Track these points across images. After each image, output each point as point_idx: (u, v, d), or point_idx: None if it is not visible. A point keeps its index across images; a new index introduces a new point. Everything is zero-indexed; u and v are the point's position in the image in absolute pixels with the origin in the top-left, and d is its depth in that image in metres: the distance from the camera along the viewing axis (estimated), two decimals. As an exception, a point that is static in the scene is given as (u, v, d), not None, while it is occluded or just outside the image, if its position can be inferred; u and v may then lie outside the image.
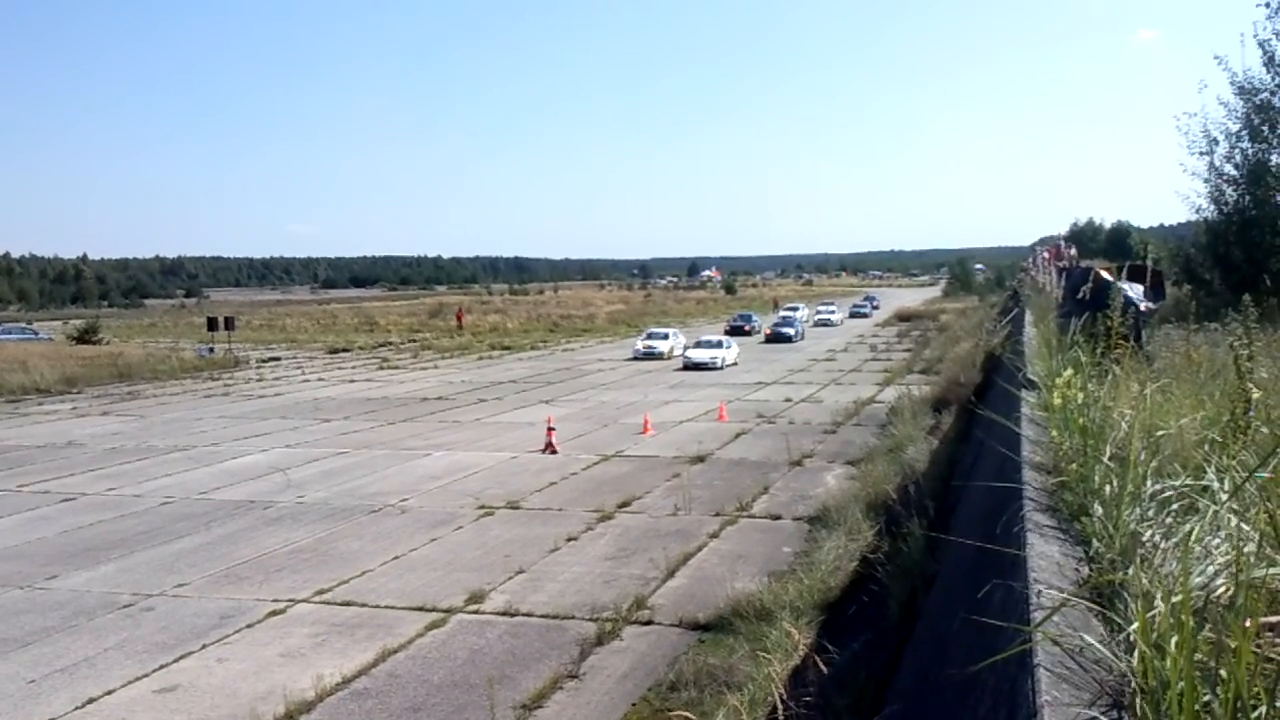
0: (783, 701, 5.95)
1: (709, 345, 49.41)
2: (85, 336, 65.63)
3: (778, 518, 18.20)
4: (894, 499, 14.05)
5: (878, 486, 16.43)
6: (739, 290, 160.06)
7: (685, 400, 36.03)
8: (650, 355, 52.82)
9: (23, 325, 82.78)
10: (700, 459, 24.23)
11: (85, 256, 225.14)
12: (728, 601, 12.43)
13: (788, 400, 35.02)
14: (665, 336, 55.78)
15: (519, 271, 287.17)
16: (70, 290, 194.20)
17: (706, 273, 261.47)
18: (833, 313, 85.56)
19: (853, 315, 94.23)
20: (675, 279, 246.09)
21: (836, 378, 42.42)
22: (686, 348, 51.06)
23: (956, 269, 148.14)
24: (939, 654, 4.67)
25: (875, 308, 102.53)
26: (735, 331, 66.05)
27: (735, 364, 47.86)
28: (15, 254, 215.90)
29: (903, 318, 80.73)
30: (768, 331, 65.33)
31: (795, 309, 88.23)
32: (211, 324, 59.61)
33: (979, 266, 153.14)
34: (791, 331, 64.79)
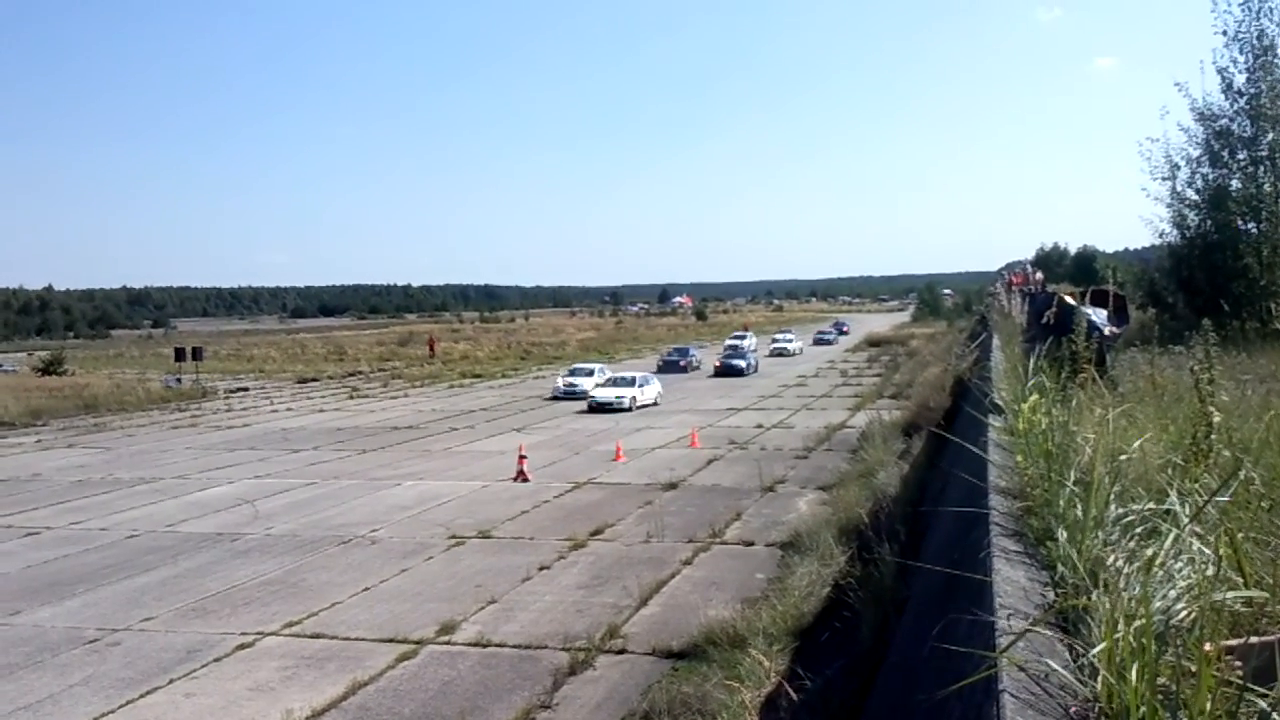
0: (755, 730, 5.92)
1: (620, 383, 44.15)
2: (50, 368, 64.84)
3: (750, 544, 18.20)
4: (866, 524, 14.06)
5: (850, 511, 16.44)
6: (710, 316, 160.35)
7: (657, 427, 36.03)
8: (571, 395, 46.41)
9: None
10: (673, 485, 24.21)
11: (50, 287, 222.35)
12: (701, 629, 12.40)
13: (759, 426, 35.08)
14: (590, 373, 49.21)
15: (489, 299, 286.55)
16: (35, 321, 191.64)
17: (678, 299, 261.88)
18: (790, 341, 78.47)
19: (817, 343, 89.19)
20: (647, 305, 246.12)
21: (808, 403, 42.57)
22: (597, 385, 45.36)
23: (925, 294, 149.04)
24: (909, 680, 4.68)
25: (844, 333, 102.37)
26: (669, 368, 59.93)
27: (655, 404, 43.19)
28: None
29: (873, 343, 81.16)
30: (716, 364, 59.20)
31: (743, 337, 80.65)
32: (179, 354, 59.14)
33: (947, 292, 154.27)
34: (743, 364, 58.63)
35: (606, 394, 42.37)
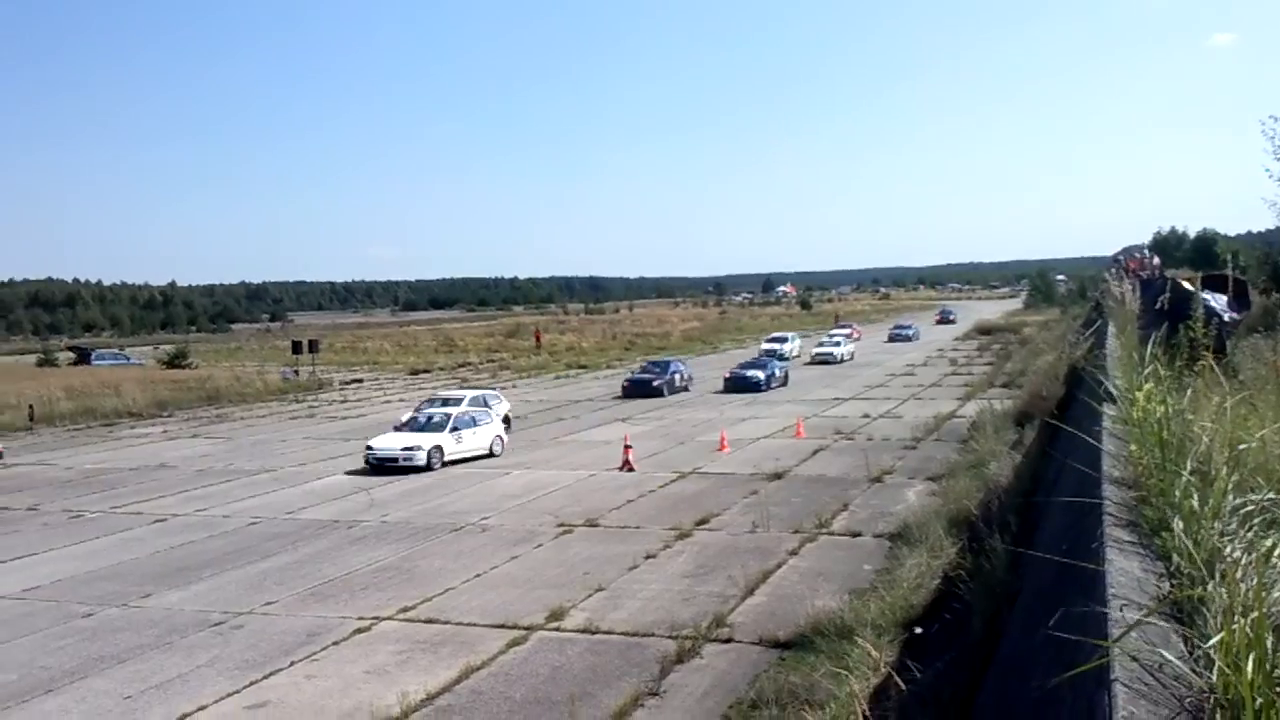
0: (865, 719, 5.93)
1: (425, 426, 28.71)
2: (175, 361, 67.51)
3: (858, 535, 18.06)
4: (976, 515, 13.87)
5: (960, 503, 16.23)
6: (815, 305, 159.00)
7: (762, 417, 35.91)
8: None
9: (115, 351, 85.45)
10: (778, 476, 24.13)
11: (174, 283, 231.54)
12: (808, 619, 12.37)
13: (866, 416, 34.71)
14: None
15: (594, 291, 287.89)
16: (160, 316, 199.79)
17: (782, 288, 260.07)
18: (838, 344, 62.00)
19: (892, 339, 77.15)
20: (750, 295, 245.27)
21: (916, 393, 41.95)
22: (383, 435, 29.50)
23: (1037, 280, 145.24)
24: (1021, 671, 4.64)
25: (950, 321, 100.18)
26: (639, 388, 44.63)
27: (490, 454, 28.86)
28: (107, 282, 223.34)
29: (983, 331, 79.42)
30: (726, 376, 46.51)
31: (784, 339, 64.70)
32: (296, 347, 60.94)
33: (1060, 277, 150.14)
34: (760, 376, 45.32)
35: (388, 446, 27.45)
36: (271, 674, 12.43)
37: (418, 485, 24.99)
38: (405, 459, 26.82)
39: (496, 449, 29.13)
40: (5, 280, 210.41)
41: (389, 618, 14.45)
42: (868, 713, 6.55)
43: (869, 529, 18.32)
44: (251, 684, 12.12)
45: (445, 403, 32.59)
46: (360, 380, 60.80)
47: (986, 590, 8.10)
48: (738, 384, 45.20)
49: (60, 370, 65.29)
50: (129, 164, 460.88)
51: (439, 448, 27.37)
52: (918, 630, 10.93)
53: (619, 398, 44.15)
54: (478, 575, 16.55)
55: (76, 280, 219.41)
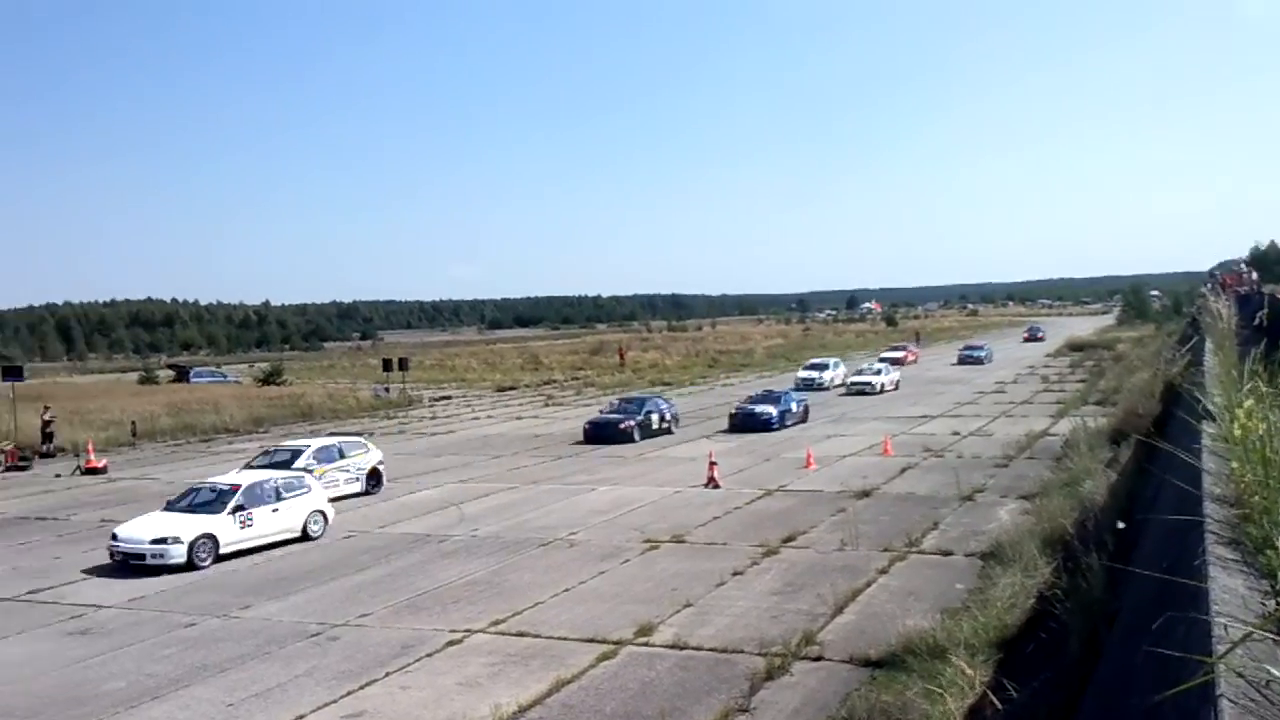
0: (959, 736, 5.91)
1: (183, 507, 20.95)
2: (270, 378, 69.20)
3: (949, 554, 17.86)
4: (1071, 534, 13.64)
5: (1054, 521, 15.95)
6: (900, 322, 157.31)
7: (848, 434, 35.66)
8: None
9: (212, 369, 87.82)
10: (866, 494, 23.96)
11: (268, 302, 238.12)
12: (899, 638, 12.29)
13: (955, 434, 34.26)
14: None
15: (676, 308, 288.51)
16: (255, 335, 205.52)
17: (867, 305, 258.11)
18: (878, 373, 54.31)
19: (962, 361, 72.02)
20: (834, 312, 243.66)
21: (1007, 410, 41.28)
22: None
23: (1131, 296, 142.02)
24: (1121, 688, 4.62)
25: (1039, 339, 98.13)
26: (601, 432, 36.30)
27: (307, 536, 21.63)
28: (204, 301, 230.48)
29: (1075, 347, 77.85)
30: (731, 412, 39.55)
31: (824, 366, 58.69)
32: (386, 365, 62.08)
33: (1154, 293, 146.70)
34: (771, 412, 38.20)
35: (135, 538, 19.69)
36: (367, 684, 12.70)
37: (507, 500, 25.32)
38: (155, 556, 19.27)
39: (314, 529, 21.68)
40: (108, 301, 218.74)
41: (480, 630, 14.68)
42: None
43: (960, 548, 18.10)
44: (348, 694, 12.40)
45: (277, 455, 26.56)
46: (449, 397, 61.70)
47: (1083, 609, 7.99)
48: (745, 422, 37.77)
49: (161, 387, 67.33)
50: (224, 187, 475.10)
51: (209, 537, 19.83)
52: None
53: (579, 443, 36.16)
54: (566, 590, 16.72)
55: (175, 300, 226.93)
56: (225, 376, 76.83)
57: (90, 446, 36.58)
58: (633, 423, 36.46)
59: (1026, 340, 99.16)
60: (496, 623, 14.99)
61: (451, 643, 14.20)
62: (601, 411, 39.65)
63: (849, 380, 54.22)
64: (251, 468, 25.23)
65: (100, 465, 34.26)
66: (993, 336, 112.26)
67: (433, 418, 49.46)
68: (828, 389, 53.69)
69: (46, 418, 39.87)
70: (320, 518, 22.14)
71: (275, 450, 27.44)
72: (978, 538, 18.48)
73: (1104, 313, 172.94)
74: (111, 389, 64.90)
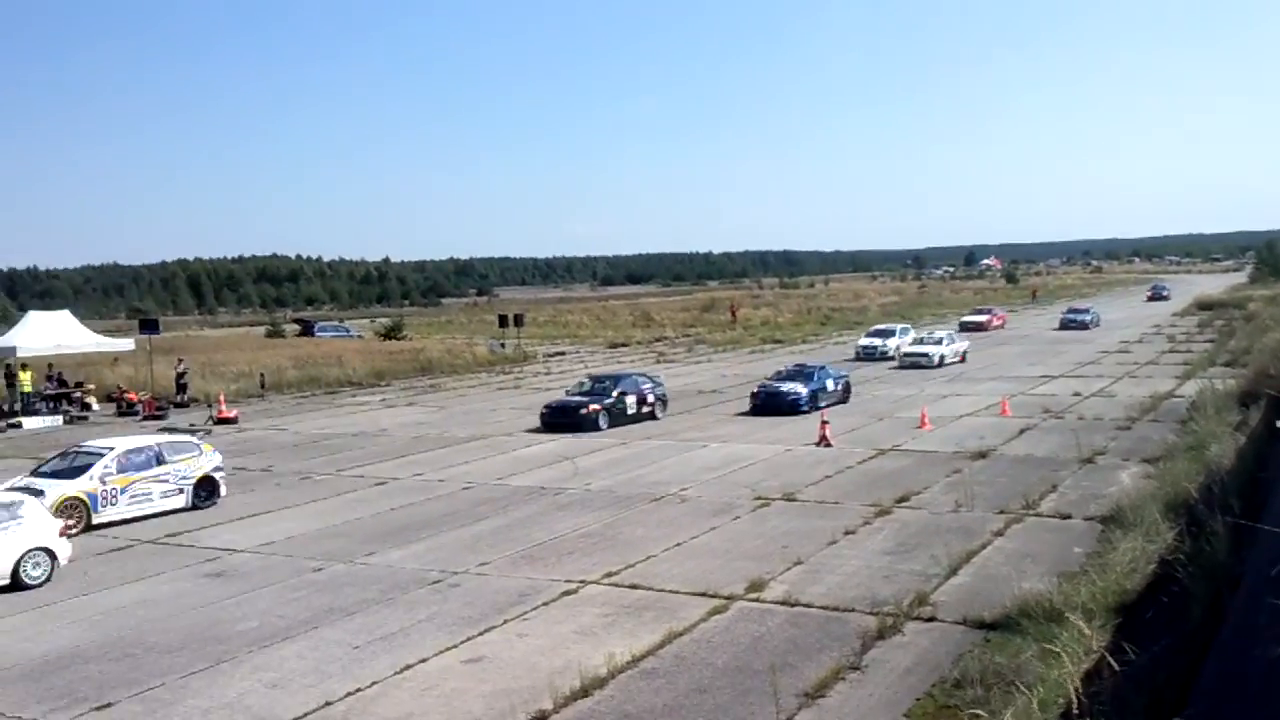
0: (1078, 698, 5.86)
1: None
2: (391, 334, 71.06)
3: (1067, 517, 17.52)
4: (1196, 499, 13.28)
5: (1178, 485, 15.53)
6: (1020, 279, 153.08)
7: (965, 394, 35.07)
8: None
9: (336, 323, 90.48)
10: (982, 455, 23.59)
11: (388, 259, 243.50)
12: (1014, 601, 12.15)
13: (1076, 395, 33.42)
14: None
15: (788, 265, 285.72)
16: (375, 290, 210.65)
17: (986, 261, 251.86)
18: (939, 342, 47.57)
19: (1065, 326, 65.43)
20: (952, 269, 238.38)
21: (1131, 371, 40.05)
22: None
23: (1264, 252, 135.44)
24: (1244, 647, 4.55)
25: (1164, 297, 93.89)
26: (560, 418, 30.73)
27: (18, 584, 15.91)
28: (326, 258, 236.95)
29: (1203, 306, 74.87)
30: (754, 390, 33.67)
31: (889, 333, 52.50)
32: (502, 321, 63.08)
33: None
34: (800, 392, 32.35)
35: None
36: (486, 631, 13.08)
37: (619, 456, 25.65)
38: None
39: (32, 574, 15.98)
40: (235, 257, 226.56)
41: (594, 582, 14.97)
42: (1081, 693, 6.47)
43: (1079, 511, 17.73)
44: (468, 639, 12.79)
45: (76, 459, 20.70)
46: (563, 353, 62.44)
47: (1206, 574, 7.81)
48: (768, 403, 32.38)
49: (287, 341, 69.69)
50: (347, 147, 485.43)
51: None
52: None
53: (534, 430, 30.80)
54: (678, 544, 16.92)
55: (299, 257, 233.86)
56: (348, 331, 79.03)
57: (221, 398, 38.18)
58: (598, 407, 30.68)
59: (1150, 299, 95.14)
60: (610, 574, 15.26)
61: (567, 593, 14.51)
62: (568, 392, 33.94)
63: (901, 351, 48.11)
64: (39, 474, 20.35)
65: (231, 415, 35.74)
66: (1114, 296, 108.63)
67: (547, 373, 50.15)
68: (893, 359, 48.34)
69: (180, 369, 41.69)
70: (40, 561, 16.15)
71: (74, 452, 21.23)
72: (1097, 501, 18.06)
73: (1235, 270, 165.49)
74: (240, 342, 67.35)
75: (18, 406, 37.65)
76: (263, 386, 44.72)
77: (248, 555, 17.51)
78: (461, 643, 12.68)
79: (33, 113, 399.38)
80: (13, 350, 38.16)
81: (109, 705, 11.07)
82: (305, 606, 14.42)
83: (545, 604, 14.07)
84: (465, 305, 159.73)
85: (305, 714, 10.61)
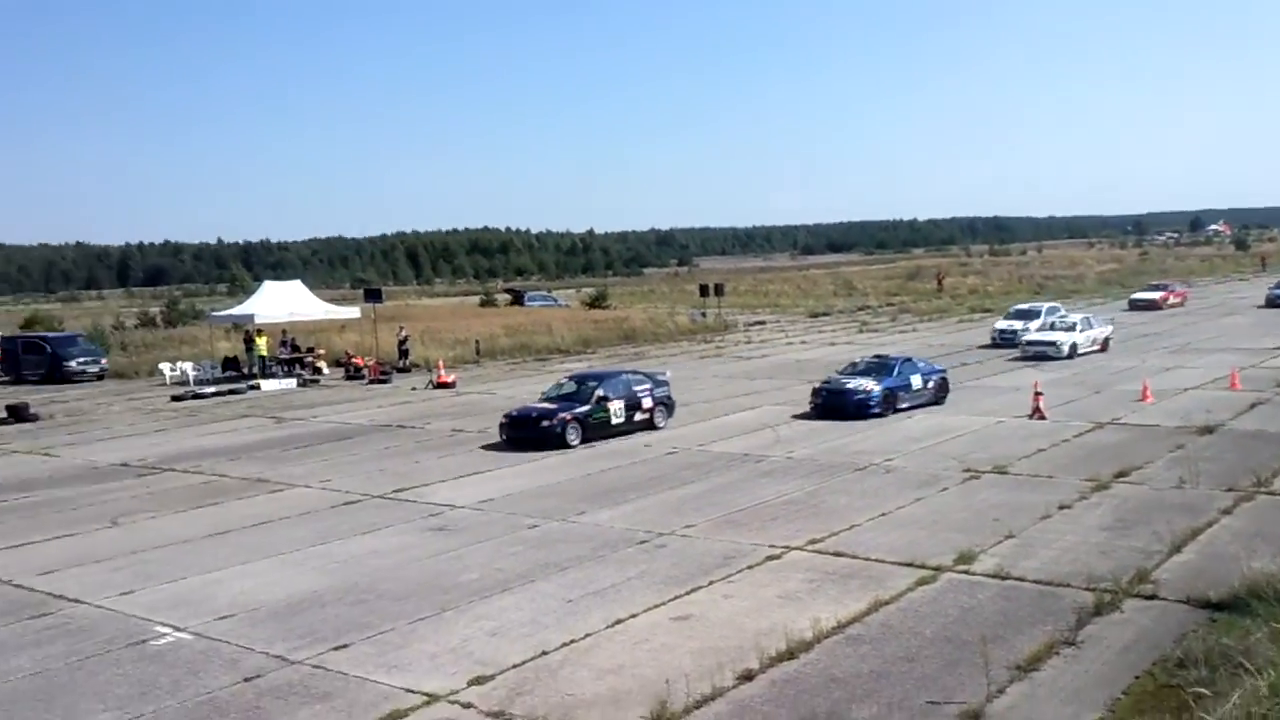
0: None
1: None
2: (596, 303, 72.66)
3: (1304, 496, 16.47)
4: None
5: None
6: (1253, 246, 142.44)
7: (1190, 366, 33.22)
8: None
9: (544, 293, 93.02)
10: (1209, 429, 22.38)
11: (592, 230, 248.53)
12: (1243, 581, 11.60)
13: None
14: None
15: (998, 231, 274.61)
16: (580, 261, 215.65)
17: (1213, 227, 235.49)
18: (1072, 328, 39.28)
19: (1271, 304, 56.45)
20: (1176, 235, 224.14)
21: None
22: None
23: None
24: None
25: None
26: (520, 429, 24.65)
27: None
28: (534, 230, 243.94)
29: None
30: (815, 387, 28.19)
31: (1033, 314, 44.64)
32: (703, 290, 63.56)
33: None
34: (873, 391, 26.65)
35: None
36: (693, 590, 13.41)
37: (821, 424, 25.54)
38: None
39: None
40: (450, 230, 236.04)
41: (798, 548, 15.08)
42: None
43: (1319, 491, 16.64)
44: (675, 598, 13.13)
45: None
46: (763, 322, 62.42)
47: None
48: (831, 403, 26.94)
49: (499, 310, 72.30)
50: (554, 122, 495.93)
51: None
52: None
53: (489, 446, 25.02)
54: (883, 514, 16.83)
55: (509, 229, 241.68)
56: (555, 300, 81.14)
57: (440, 363, 40.10)
58: (567, 416, 24.54)
59: None
60: (813, 541, 15.35)
61: (771, 557, 14.69)
62: (544, 394, 27.38)
63: (1024, 340, 40.03)
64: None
65: (449, 380, 37.53)
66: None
67: (748, 342, 50.30)
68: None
69: (402, 336, 44.03)
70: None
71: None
72: (1341, 481, 16.90)
73: None
74: (456, 311, 70.31)
75: (256, 370, 40.65)
76: (478, 353, 46.63)
77: (468, 511, 18.44)
78: (669, 600, 13.04)
79: (271, 100, 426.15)
80: (251, 318, 41.27)
81: (346, 646, 11.96)
82: (521, 561, 15.12)
83: (750, 567, 14.29)
84: (667, 275, 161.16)
85: (523, 661, 11.18)
